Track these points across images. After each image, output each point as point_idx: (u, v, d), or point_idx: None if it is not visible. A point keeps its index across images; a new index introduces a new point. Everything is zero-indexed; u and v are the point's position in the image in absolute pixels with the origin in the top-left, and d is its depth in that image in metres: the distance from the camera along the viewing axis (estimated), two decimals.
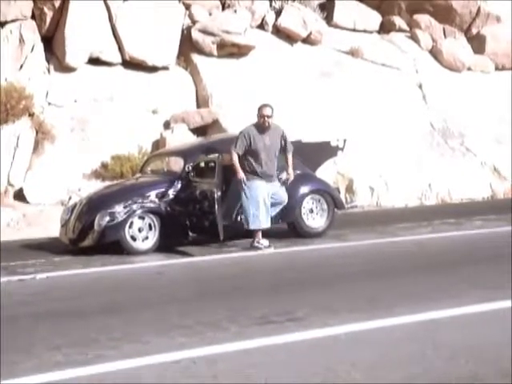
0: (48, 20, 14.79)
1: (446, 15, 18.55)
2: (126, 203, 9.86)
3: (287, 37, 16.92)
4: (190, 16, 16.12)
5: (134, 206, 9.87)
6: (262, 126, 9.90)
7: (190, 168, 10.28)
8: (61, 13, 14.73)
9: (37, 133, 13.78)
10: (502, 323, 5.65)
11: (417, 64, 17.76)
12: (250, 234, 9.86)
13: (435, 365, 4.72)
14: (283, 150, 10.00)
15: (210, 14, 16.33)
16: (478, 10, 18.81)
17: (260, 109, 9.94)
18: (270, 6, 17.09)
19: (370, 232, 10.94)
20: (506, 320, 5.71)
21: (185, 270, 8.79)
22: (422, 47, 18.18)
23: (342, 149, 11.38)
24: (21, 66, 14.37)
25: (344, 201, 12.26)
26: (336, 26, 17.79)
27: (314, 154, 11.15)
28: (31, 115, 13.83)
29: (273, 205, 9.98)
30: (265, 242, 9.74)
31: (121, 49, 15.10)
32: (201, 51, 15.83)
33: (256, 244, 9.72)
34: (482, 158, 16.70)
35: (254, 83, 15.36)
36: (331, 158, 11.71)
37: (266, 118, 9.84)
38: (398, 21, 18.37)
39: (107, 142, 14.07)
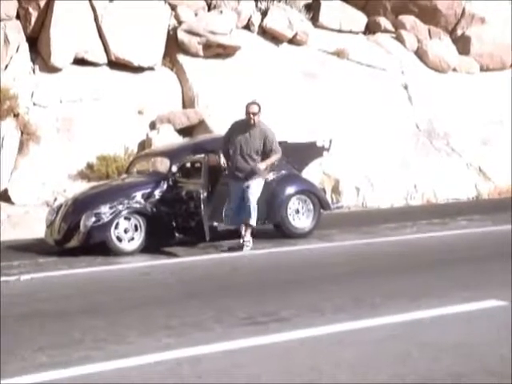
0: (33, 20, 14.70)
1: (430, 16, 18.62)
2: (111, 204, 9.84)
3: (273, 37, 16.93)
4: (176, 17, 16.11)
5: (120, 207, 9.86)
6: (247, 123, 9.90)
7: (176, 169, 10.28)
8: (46, 13, 14.66)
9: (22, 133, 13.71)
10: (486, 322, 5.69)
11: (402, 65, 17.81)
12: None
13: (420, 364, 4.74)
14: (264, 152, 9.82)
15: (196, 15, 16.32)
16: (463, 11, 18.91)
17: (247, 106, 9.92)
18: (256, 6, 17.10)
19: (355, 232, 10.97)
20: (490, 319, 5.75)
21: (171, 270, 8.77)
22: (408, 48, 18.23)
23: (327, 149, 11.39)
24: (6, 67, 14.28)
25: (330, 201, 12.27)
26: (322, 27, 17.80)
27: (300, 154, 11.17)
28: (16, 116, 13.76)
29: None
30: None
31: (106, 49, 15.04)
32: (187, 52, 15.81)
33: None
34: (467, 159, 16.77)
35: (240, 84, 15.35)
36: (317, 158, 11.72)
37: (251, 116, 9.83)
38: (384, 22, 18.43)
39: (93, 143, 14.02)
